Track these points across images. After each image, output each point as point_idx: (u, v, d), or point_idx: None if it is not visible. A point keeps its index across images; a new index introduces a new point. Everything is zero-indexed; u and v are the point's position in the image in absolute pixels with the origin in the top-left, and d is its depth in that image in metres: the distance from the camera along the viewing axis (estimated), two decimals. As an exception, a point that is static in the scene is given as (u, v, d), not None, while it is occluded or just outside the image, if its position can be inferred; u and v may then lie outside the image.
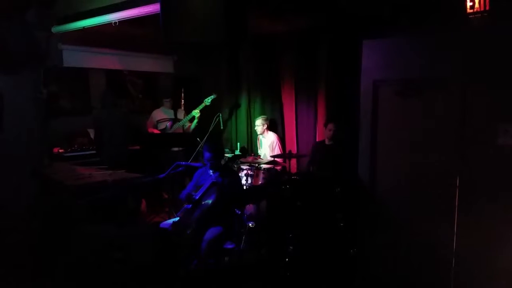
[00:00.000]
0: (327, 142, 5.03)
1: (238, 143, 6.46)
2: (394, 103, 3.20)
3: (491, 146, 2.78)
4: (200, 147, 5.03)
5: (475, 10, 2.95)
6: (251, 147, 6.39)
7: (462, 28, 2.99)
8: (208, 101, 5.82)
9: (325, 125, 5.05)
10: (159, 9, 3.06)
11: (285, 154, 5.34)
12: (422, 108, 3.08)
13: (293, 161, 5.58)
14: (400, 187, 3.24)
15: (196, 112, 5.77)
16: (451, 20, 3.10)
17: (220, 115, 5.99)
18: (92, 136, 5.54)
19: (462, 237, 2.93)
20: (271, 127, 5.88)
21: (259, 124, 5.70)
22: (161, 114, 5.92)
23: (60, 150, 5.28)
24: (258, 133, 5.79)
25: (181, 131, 5.86)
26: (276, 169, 5.18)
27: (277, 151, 5.62)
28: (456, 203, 2.93)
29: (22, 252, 3.99)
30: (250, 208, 4.67)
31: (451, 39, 2.92)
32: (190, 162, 4.29)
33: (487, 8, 2.89)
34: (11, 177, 4.35)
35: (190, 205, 3.82)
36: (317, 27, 5.21)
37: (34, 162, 4.55)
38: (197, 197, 3.80)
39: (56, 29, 4.83)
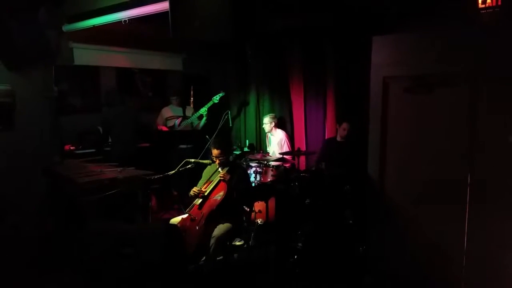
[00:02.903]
0: (338, 139, 5.01)
1: (247, 140, 6.46)
2: (404, 100, 3.18)
3: (503, 143, 2.75)
4: (209, 144, 5.05)
5: (487, 5, 2.91)
6: (260, 145, 6.39)
7: (474, 24, 2.95)
8: (216, 98, 5.82)
9: (339, 123, 5.00)
10: (168, 7, 3.07)
11: (293, 151, 5.33)
12: (432, 105, 3.05)
13: (302, 159, 5.56)
14: (409, 185, 3.21)
15: (204, 110, 5.79)
16: (462, 15, 3.06)
17: (229, 112, 6.00)
18: (102, 133, 5.59)
19: (473, 236, 2.90)
20: (280, 124, 5.87)
21: (267, 122, 5.69)
22: (170, 112, 5.95)
23: (71, 148, 5.34)
24: (266, 131, 5.79)
25: (189, 128, 5.88)
26: (285, 167, 5.17)
27: (286, 148, 5.61)
28: (467, 202, 2.90)
29: (33, 248, 4.04)
30: (259, 205, 4.68)
31: (462, 34, 2.88)
32: (199, 159, 4.29)
33: (499, 3, 2.85)
34: (22, 174, 4.40)
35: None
36: (326, 24, 5.18)
37: (45, 159, 4.60)
38: (207, 193, 3.83)
39: (66, 27, 4.86)
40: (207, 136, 5.68)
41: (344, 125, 4.91)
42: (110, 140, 5.49)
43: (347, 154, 4.77)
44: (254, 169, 5.03)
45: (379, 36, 3.27)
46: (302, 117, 5.83)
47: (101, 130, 5.58)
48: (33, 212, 4.32)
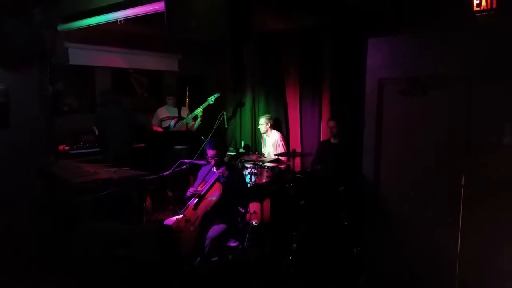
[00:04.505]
0: (332, 140, 5.02)
1: (242, 142, 6.46)
2: (399, 101, 3.19)
3: (497, 145, 2.77)
4: (204, 145, 5.05)
5: (482, 8, 2.94)
6: (255, 146, 6.39)
7: (469, 26, 2.97)
8: (211, 99, 5.82)
9: (327, 122, 5.04)
10: (164, 7, 3.07)
11: (289, 152, 5.33)
12: (427, 107, 3.07)
13: (297, 160, 5.57)
14: (404, 186, 3.23)
15: (199, 111, 5.78)
16: (457, 18, 3.08)
17: (225, 113, 5.99)
18: (97, 134, 5.57)
19: (467, 237, 2.91)
20: (276, 126, 5.88)
21: (263, 123, 5.70)
22: (165, 112, 5.93)
23: (66, 148, 5.31)
24: (262, 132, 5.79)
25: (184, 129, 5.87)
26: (280, 168, 5.17)
27: (281, 149, 5.62)
28: (462, 203, 2.91)
29: (27, 248, 4.02)
30: (253, 206, 4.68)
31: (457, 37, 2.90)
32: (194, 160, 4.28)
33: (494, 6, 2.88)
34: (16, 174, 4.38)
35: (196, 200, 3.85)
36: (322, 25, 5.20)
37: (39, 159, 4.58)
38: (202, 193, 3.83)
39: (62, 27, 4.85)
40: (202, 137, 5.68)
41: (330, 123, 4.93)
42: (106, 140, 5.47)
43: (341, 156, 4.78)
44: (249, 170, 5.03)
45: (374, 38, 3.29)
46: (297, 119, 5.84)
47: (96, 130, 5.56)
48: (27, 211, 4.30)
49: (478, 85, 2.81)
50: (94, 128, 5.57)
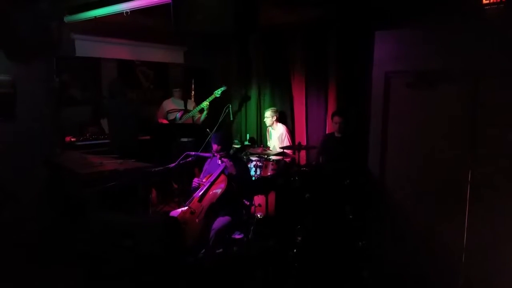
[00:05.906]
0: (336, 134, 5.01)
1: (248, 135, 6.46)
2: (406, 95, 3.17)
3: (503, 140, 2.74)
4: (209, 138, 5.06)
5: (491, 1, 2.89)
6: (260, 139, 6.39)
7: (477, 20, 2.93)
8: (218, 93, 5.82)
9: (332, 117, 5.02)
10: (170, -1, 3.06)
11: (294, 146, 5.33)
12: (434, 101, 3.04)
13: (303, 153, 5.56)
14: (410, 181, 3.21)
15: (205, 104, 5.78)
16: (466, 11, 3.04)
17: (230, 106, 5.99)
18: (103, 126, 5.59)
19: (473, 232, 2.90)
20: (281, 119, 5.87)
21: (268, 116, 5.69)
22: (171, 105, 5.94)
23: (72, 139, 5.35)
24: (267, 124, 5.78)
25: (190, 121, 5.88)
26: (285, 161, 5.17)
27: (286, 143, 5.62)
28: (468, 198, 2.90)
29: (34, 239, 4.06)
30: (258, 199, 4.69)
31: (465, 30, 2.87)
32: (200, 152, 4.29)
33: (504, -1, 2.84)
34: (22, 165, 4.41)
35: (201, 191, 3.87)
36: (328, 18, 5.16)
37: (45, 150, 4.61)
38: (207, 185, 3.84)
39: (68, 18, 4.85)
40: (207, 130, 5.68)
41: (336, 118, 4.90)
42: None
43: (345, 149, 4.77)
44: (254, 163, 5.03)
45: (382, 31, 3.25)
46: (303, 112, 5.83)
47: (104, 122, 5.57)
48: (33, 202, 4.34)
49: (485, 79, 2.78)
50: (101, 120, 5.60)
